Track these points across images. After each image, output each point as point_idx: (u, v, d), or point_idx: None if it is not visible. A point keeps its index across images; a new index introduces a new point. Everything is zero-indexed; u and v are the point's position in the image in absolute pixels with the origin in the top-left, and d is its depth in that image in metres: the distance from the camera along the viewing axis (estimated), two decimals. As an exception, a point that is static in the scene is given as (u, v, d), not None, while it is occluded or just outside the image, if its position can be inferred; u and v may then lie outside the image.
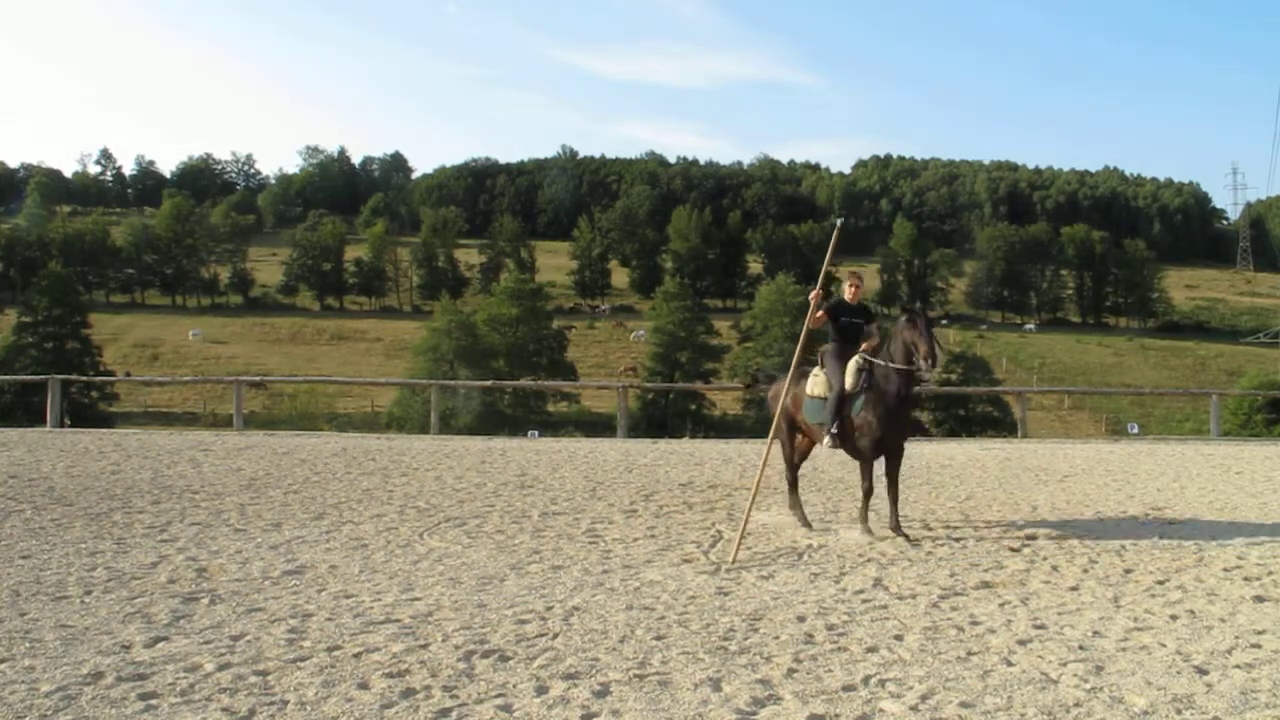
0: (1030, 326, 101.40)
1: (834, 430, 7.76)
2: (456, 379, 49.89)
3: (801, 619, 5.37)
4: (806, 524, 8.11)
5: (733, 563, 6.70)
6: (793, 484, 8.52)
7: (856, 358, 7.83)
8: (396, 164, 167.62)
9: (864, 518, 7.78)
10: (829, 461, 12.74)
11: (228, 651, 4.72)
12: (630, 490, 10.07)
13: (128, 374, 63.56)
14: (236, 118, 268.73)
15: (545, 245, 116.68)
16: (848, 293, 8.29)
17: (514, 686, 4.31)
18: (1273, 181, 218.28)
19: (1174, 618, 5.47)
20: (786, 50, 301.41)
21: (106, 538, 7.36)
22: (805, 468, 11.91)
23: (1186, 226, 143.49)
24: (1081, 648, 4.92)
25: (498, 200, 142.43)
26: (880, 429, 7.61)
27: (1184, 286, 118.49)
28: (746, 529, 7.24)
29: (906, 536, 7.56)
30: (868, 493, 7.81)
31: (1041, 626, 5.27)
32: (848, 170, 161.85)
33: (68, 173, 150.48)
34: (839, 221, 7.92)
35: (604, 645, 4.88)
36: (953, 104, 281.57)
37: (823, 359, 8.17)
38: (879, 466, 7.87)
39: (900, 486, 8.01)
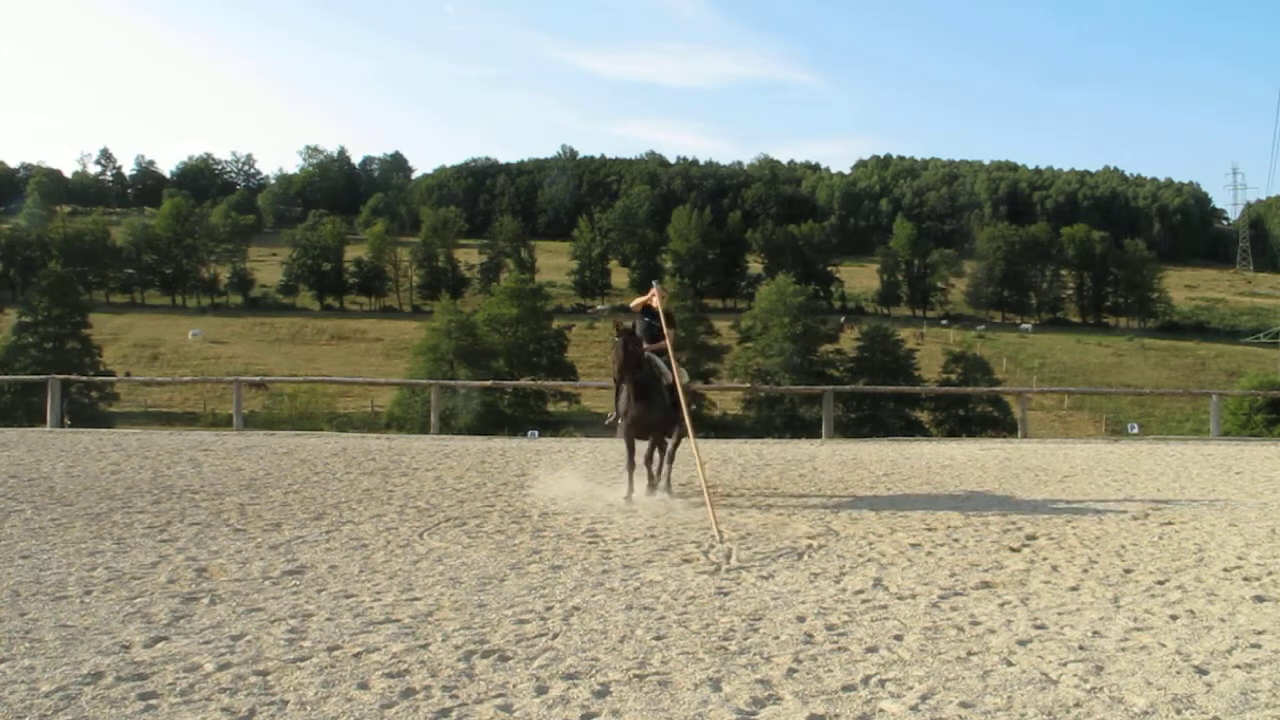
0: (1026, 326, 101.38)
1: (614, 417, 9.46)
2: (456, 379, 49.90)
3: (801, 619, 5.37)
4: (629, 492, 9.28)
5: (720, 539, 7.26)
6: (630, 463, 9.67)
7: None
8: (396, 164, 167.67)
9: (630, 488, 9.25)
10: (828, 462, 12.78)
11: (228, 651, 4.72)
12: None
13: (128, 374, 63.63)
14: (236, 118, 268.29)
15: (545, 245, 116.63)
16: (656, 299, 9.63)
17: (514, 686, 4.31)
18: (1273, 181, 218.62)
19: (1174, 618, 5.47)
20: (786, 50, 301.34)
21: (106, 538, 7.35)
22: (805, 468, 12.03)
23: (1186, 226, 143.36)
24: (1081, 648, 4.91)
25: (498, 200, 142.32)
26: (634, 418, 9.18)
27: (1184, 286, 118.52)
28: (717, 516, 7.88)
29: (668, 493, 9.31)
30: (630, 467, 9.32)
31: (1041, 626, 5.27)
32: (848, 170, 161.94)
33: (68, 173, 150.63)
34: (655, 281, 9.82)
35: (604, 645, 4.88)
36: (953, 104, 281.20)
37: None
38: (644, 448, 9.41)
39: (674, 462, 9.72)
